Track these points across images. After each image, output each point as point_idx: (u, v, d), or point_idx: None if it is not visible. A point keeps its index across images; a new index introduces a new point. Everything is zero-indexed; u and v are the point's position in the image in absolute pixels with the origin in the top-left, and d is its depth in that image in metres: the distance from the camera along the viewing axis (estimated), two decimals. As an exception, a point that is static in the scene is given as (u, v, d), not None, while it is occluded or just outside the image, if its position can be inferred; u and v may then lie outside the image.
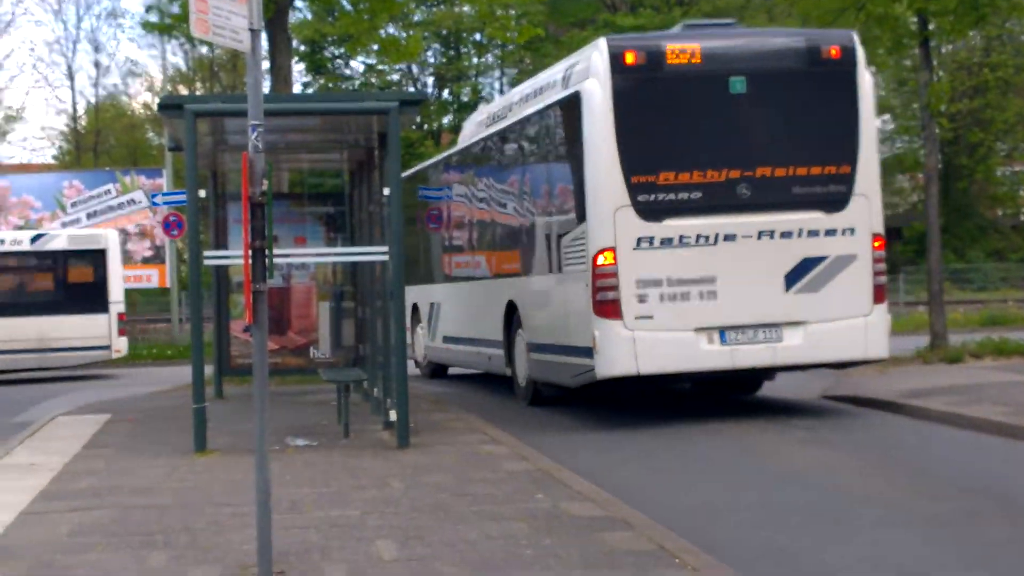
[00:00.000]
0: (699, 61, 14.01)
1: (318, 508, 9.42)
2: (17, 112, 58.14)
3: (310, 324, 18.34)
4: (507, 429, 13.94)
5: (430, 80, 55.22)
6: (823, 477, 10.82)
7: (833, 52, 14.31)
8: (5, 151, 60.81)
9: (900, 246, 49.10)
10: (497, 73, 56.00)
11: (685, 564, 7.42)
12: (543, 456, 11.61)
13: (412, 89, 52.60)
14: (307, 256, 17.89)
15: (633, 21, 47.76)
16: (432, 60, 54.62)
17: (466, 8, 46.46)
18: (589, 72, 14.20)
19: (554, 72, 16.19)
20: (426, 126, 51.91)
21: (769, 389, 17.23)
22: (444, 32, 52.57)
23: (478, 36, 51.95)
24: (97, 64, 57.41)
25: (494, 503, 9.41)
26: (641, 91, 13.99)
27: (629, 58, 13.92)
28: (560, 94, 15.14)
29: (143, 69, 63.47)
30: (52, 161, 57.67)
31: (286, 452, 12.31)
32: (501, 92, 51.47)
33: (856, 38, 14.70)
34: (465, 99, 52.47)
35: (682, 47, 14.03)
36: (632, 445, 13.21)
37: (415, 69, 54.28)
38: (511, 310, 16.92)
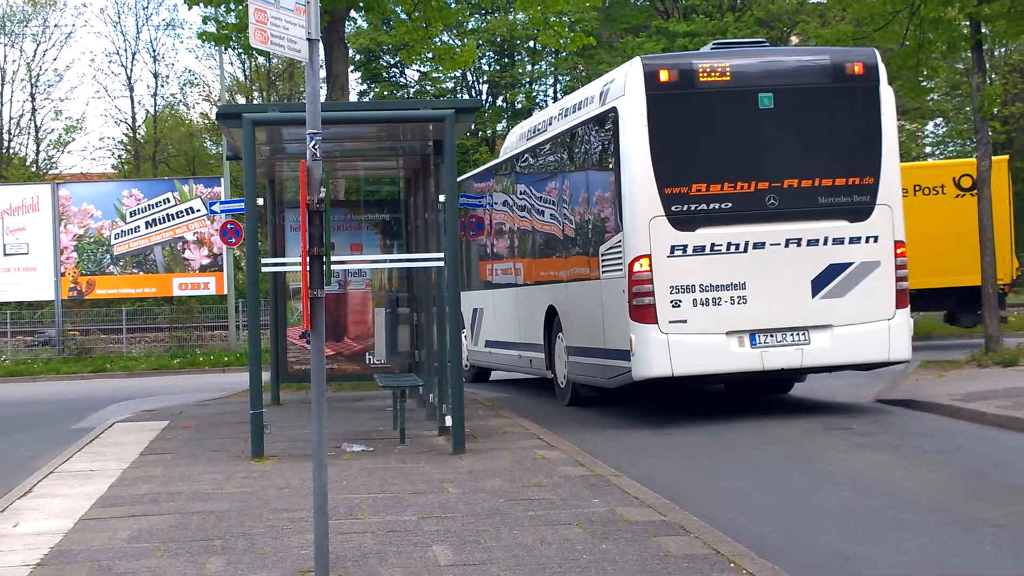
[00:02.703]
0: (729, 79, 14.66)
1: (375, 513, 9.47)
2: (77, 122, 58.99)
3: (366, 330, 18.41)
4: (554, 430, 14.09)
5: (484, 87, 55.35)
6: (879, 481, 10.77)
7: (856, 69, 14.94)
8: (66, 161, 61.71)
9: (953, 249, 48.53)
10: (551, 80, 56.05)
11: (741, 568, 7.42)
12: (598, 461, 11.62)
13: (467, 96, 52.72)
14: (363, 263, 17.98)
15: (685, 27, 47.75)
16: (486, 67, 54.73)
17: (520, 16, 46.50)
18: (625, 89, 14.85)
19: (592, 88, 16.74)
20: (480, 133, 52.04)
21: (822, 392, 17.23)
22: (498, 39, 52.64)
23: (532, 43, 52.01)
24: (156, 75, 57.97)
25: (550, 508, 9.43)
26: (674, 107, 14.60)
27: (663, 76, 14.57)
28: (597, 110, 15.72)
29: (201, 79, 63.90)
30: (111, 170, 58.33)
31: (343, 458, 12.37)
32: (555, 99, 51.51)
33: (878, 55, 15.37)
34: (519, 106, 52.55)
35: (712, 65, 14.68)
36: (683, 447, 13.24)
37: (469, 76, 54.42)
38: (551, 315, 17.60)
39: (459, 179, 23.74)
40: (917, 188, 25.96)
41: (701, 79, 14.61)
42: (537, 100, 53.42)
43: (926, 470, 11.35)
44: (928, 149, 56.43)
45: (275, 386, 18.45)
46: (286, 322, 18.82)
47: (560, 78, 55.02)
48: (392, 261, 18.10)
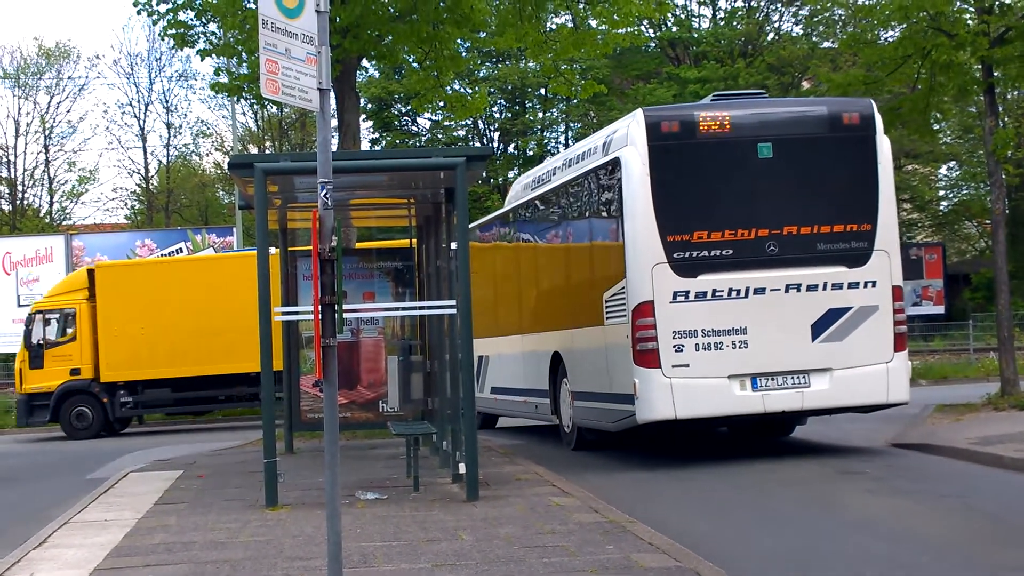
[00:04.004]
0: (729, 129, 14.93)
1: (389, 561, 9.45)
2: (91, 174, 59.18)
3: (379, 378, 18.39)
4: (568, 476, 14.05)
5: (496, 135, 55.56)
6: (896, 526, 10.71)
7: (853, 119, 15.26)
8: (79, 212, 61.91)
9: (969, 292, 48.47)
10: (562, 127, 56.26)
11: (757, 615, 7.39)
12: (612, 507, 11.58)
13: (478, 144, 52.94)
14: (376, 311, 17.99)
15: (696, 74, 47.92)
16: (498, 115, 54.95)
17: (531, 64, 46.71)
18: (627, 140, 15.16)
19: (595, 139, 17.16)
20: (492, 180, 52.19)
21: (836, 436, 17.19)
22: (509, 87, 52.88)
23: (543, 91, 52.23)
24: (169, 125, 58.27)
25: (565, 555, 9.40)
26: (675, 157, 14.90)
27: (664, 127, 14.88)
28: (601, 160, 16.05)
29: (214, 129, 64.22)
30: (125, 221, 58.53)
31: (356, 506, 12.35)
32: (567, 145, 51.67)
33: (874, 106, 15.64)
34: (531, 153, 52.74)
35: (713, 116, 14.96)
36: (696, 492, 13.21)
37: (481, 124, 54.65)
38: (556, 361, 17.83)
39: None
40: None
41: (702, 130, 14.89)
42: (549, 147, 53.60)
43: (943, 514, 11.30)
44: (942, 192, 56.46)
45: (289, 435, 18.43)
46: (299, 371, 18.82)
47: (572, 125, 55.24)
48: (404, 309, 18.10)
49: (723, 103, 15.55)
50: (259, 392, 26.46)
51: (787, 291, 14.79)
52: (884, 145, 15.36)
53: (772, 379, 14.77)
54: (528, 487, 13.32)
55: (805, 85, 50.11)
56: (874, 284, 14.98)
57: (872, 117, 15.33)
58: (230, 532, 11.17)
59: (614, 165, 15.35)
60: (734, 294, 14.71)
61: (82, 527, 12.15)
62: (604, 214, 16.09)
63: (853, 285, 14.93)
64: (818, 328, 14.83)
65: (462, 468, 12.92)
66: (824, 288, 14.86)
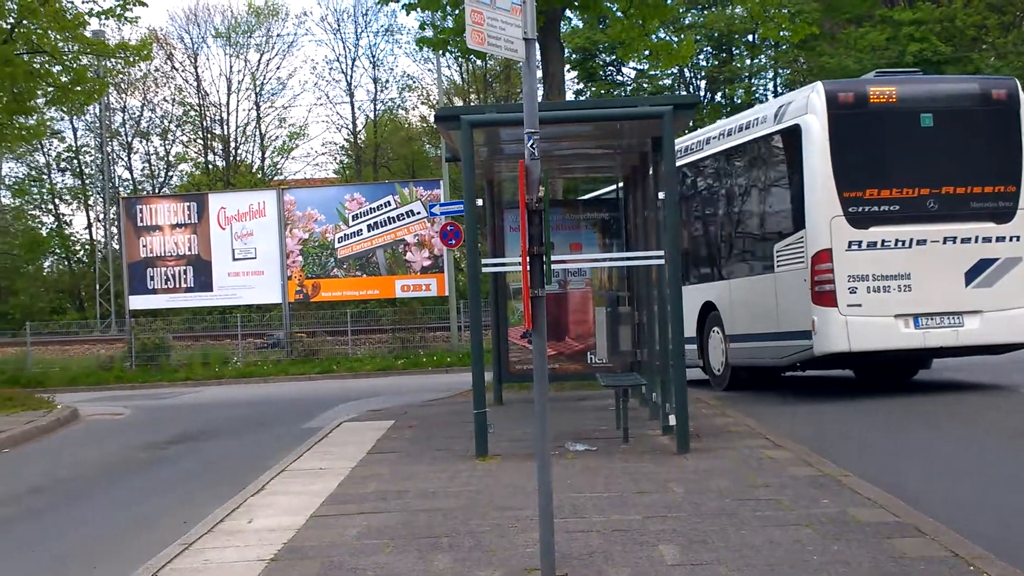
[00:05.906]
0: (895, 101, 16.80)
1: (599, 512, 9.42)
2: (300, 129, 60.51)
3: (587, 330, 18.40)
4: (777, 428, 13.79)
5: (702, 83, 54.93)
6: None
7: (1000, 95, 17.08)
8: (290, 167, 63.39)
9: None
10: (770, 74, 55.33)
11: (981, 572, 7.13)
12: (826, 460, 11.34)
13: (684, 92, 52.47)
14: (583, 262, 17.98)
15: (911, 16, 46.50)
16: (704, 63, 54.31)
17: (738, 9, 46.00)
18: (808, 108, 17.01)
19: (762, 110, 19.06)
20: (698, 129, 51.70)
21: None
22: (715, 34, 52.19)
23: (750, 37, 51.40)
24: (375, 80, 59.20)
25: (778, 509, 9.24)
26: (850, 124, 16.76)
27: (841, 98, 16.79)
28: (777, 127, 17.86)
29: (419, 83, 64.95)
30: (334, 175, 59.70)
31: (566, 457, 12.35)
32: (776, 93, 50.81)
33: (1019, 84, 17.37)
34: (738, 101, 52.00)
35: (882, 89, 16.86)
36: (909, 445, 12.85)
37: (687, 72, 54.09)
38: (706, 310, 20.00)
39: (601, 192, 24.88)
40: None
41: (872, 100, 16.69)
42: (756, 95, 52.77)
43: None
44: None
45: (497, 386, 18.56)
46: (507, 322, 18.92)
47: (780, 71, 54.28)
48: (611, 260, 18.06)
49: (887, 79, 17.34)
50: None
51: (944, 243, 16.58)
52: None
53: (932, 319, 16.53)
54: (739, 439, 13.16)
55: (1025, 25, 48.26)
56: (1018, 238, 16.74)
57: (1016, 94, 16.97)
58: (441, 482, 11.28)
59: (794, 131, 17.11)
60: (900, 244, 16.50)
61: (298, 475, 12.43)
62: (779, 174, 17.93)
63: (1000, 239, 16.71)
64: (970, 275, 16.62)
65: (672, 420, 12.82)
66: (976, 241, 16.65)
